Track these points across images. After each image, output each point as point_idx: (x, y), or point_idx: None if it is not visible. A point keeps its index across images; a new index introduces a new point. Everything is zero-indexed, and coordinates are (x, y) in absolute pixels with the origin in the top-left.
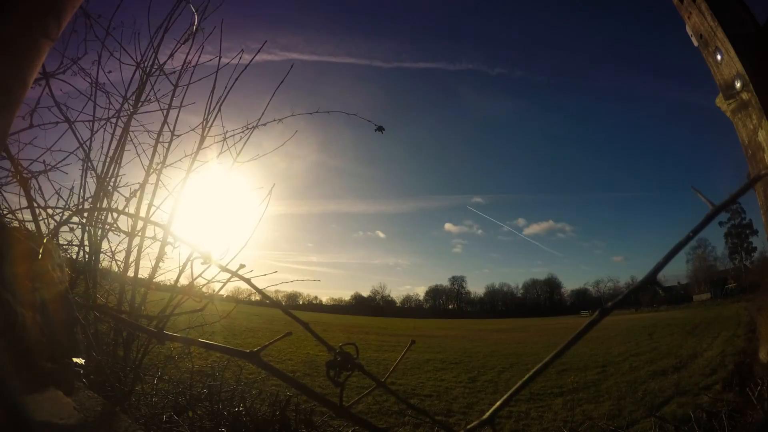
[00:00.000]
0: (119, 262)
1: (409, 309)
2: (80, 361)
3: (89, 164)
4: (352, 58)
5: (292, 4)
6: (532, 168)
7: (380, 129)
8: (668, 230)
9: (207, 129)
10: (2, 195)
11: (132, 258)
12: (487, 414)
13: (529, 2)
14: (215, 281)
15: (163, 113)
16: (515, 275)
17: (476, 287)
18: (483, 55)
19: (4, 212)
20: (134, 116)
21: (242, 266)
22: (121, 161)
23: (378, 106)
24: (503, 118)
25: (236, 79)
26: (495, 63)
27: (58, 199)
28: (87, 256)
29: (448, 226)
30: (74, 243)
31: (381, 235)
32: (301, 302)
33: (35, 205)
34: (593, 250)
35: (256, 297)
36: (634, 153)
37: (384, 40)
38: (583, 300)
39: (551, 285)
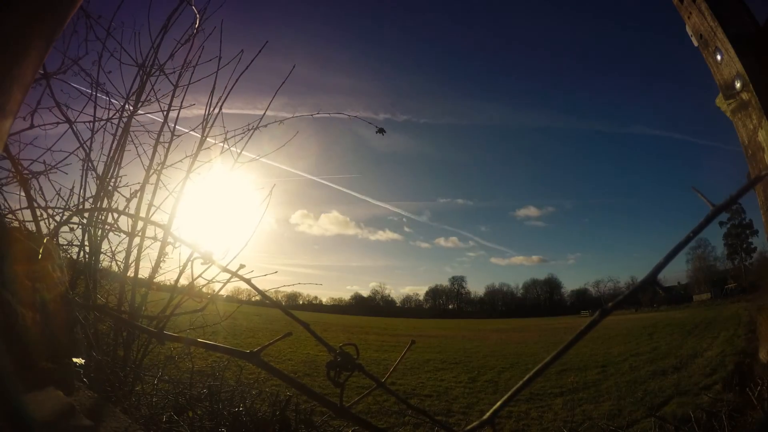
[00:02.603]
0: (119, 263)
1: (409, 309)
2: (80, 361)
3: (90, 164)
4: (261, 110)
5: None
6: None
7: (381, 131)
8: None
9: (207, 129)
10: (2, 195)
11: (132, 258)
12: (487, 414)
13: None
14: (215, 281)
15: (163, 113)
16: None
17: (476, 287)
18: (365, 104)
19: (4, 212)
20: (134, 116)
21: (242, 266)
22: (121, 161)
23: (302, 142)
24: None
25: (236, 80)
26: (378, 110)
27: (58, 200)
28: (87, 256)
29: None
30: (74, 243)
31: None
32: (301, 302)
33: (35, 205)
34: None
35: (257, 297)
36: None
37: (277, 96)
38: (583, 300)
39: (551, 285)
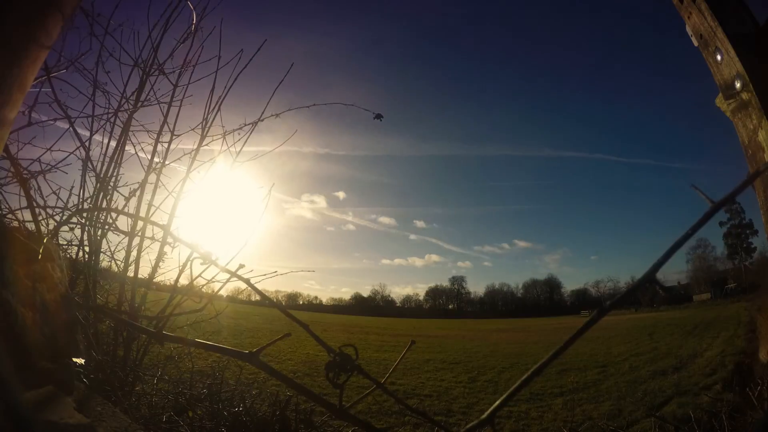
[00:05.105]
0: (119, 262)
1: (409, 309)
2: (80, 361)
3: (89, 164)
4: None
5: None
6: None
7: (379, 117)
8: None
9: (207, 128)
10: (2, 195)
11: (132, 258)
12: (486, 414)
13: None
14: (215, 281)
15: (162, 113)
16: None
17: (476, 287)
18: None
19: (4, 212)
20: (134, 116)
21: (242, 266)
22: (120, 161)
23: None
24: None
25: (235, 79)
26: (302, 144)
27: (57, 199)
28: (87, 256)
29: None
30: (74, 243)
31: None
32: (301, 302)
33: (35, 205)
34: None
35: (256, 297)
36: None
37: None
38: (583, 300)
39: (551, 285)
